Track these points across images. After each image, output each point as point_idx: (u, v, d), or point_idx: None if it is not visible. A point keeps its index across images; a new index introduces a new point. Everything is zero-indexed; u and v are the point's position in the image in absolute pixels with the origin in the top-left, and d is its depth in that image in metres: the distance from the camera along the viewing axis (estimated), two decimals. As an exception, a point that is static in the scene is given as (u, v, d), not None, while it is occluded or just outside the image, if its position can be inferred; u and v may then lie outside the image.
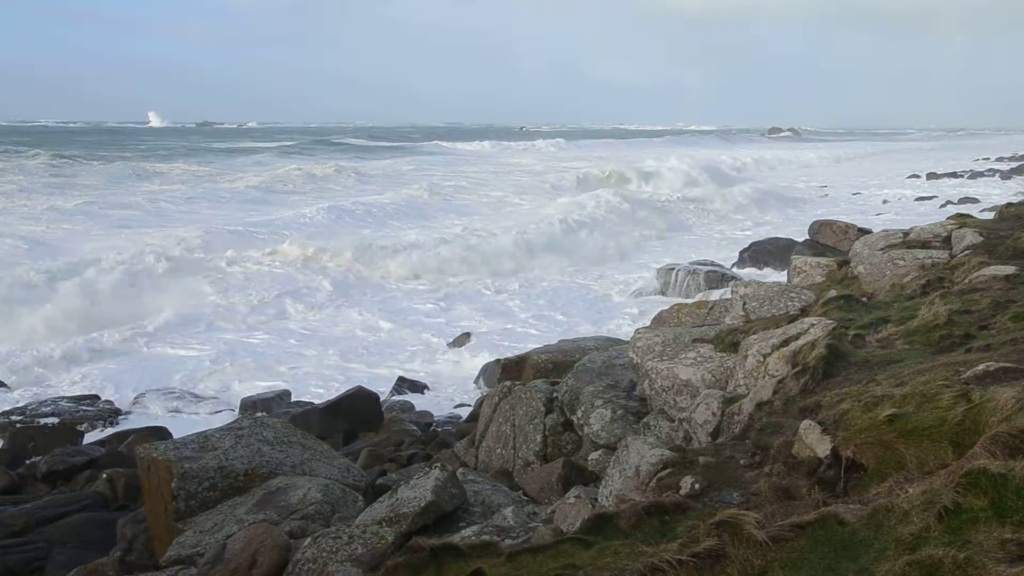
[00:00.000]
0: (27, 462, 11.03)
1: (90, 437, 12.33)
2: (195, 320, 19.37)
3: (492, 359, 14.58)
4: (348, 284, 23.30)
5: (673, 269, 21.04)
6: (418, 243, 27.22)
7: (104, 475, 9.76)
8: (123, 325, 18.37)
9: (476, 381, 14.59)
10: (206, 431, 7.85)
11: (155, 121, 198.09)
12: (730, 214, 37.45)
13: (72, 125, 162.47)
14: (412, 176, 55.07)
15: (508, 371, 11.60)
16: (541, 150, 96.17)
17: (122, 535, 7.83)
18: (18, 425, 12.27)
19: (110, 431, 12.58)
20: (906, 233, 10.63)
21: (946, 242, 9.76)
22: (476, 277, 24.39)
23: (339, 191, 46.91)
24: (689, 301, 13.60)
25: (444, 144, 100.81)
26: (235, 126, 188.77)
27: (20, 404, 13.54)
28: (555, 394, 8.76)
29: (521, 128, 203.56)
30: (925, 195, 42.30)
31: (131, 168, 54.83)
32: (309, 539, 5.35)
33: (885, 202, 41.35)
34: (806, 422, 4.40)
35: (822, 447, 4.14)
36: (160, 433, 11.46)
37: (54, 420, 12.61)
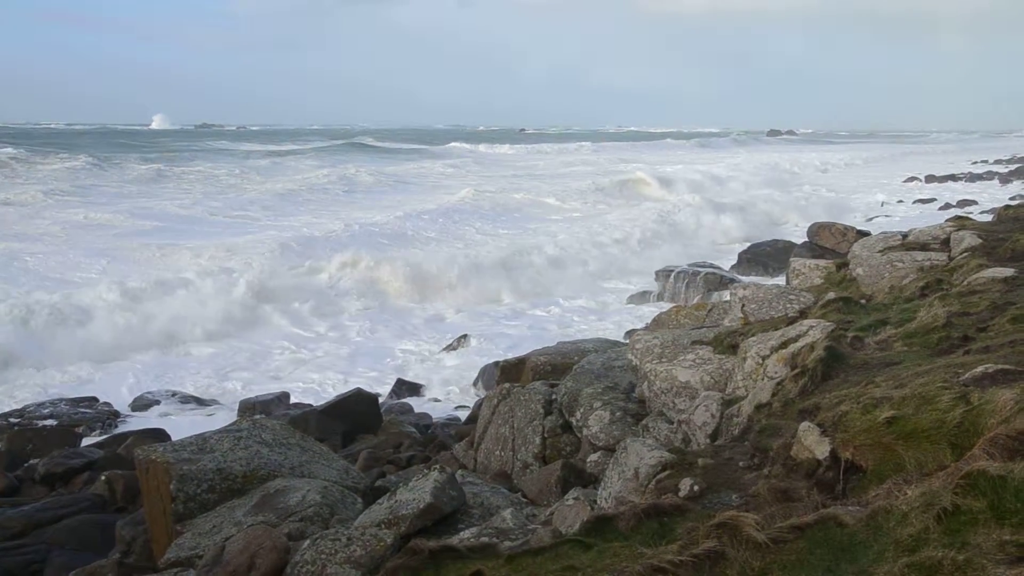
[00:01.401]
0: (25, 464, 11.00)
1: (88, 440, 12.31)
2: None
3: (490, 361, 14.57)
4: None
5: (671, 272, 21.03)
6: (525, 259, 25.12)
7: (103, 477, 9.75)
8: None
9: (475, 383, 14.58)
10: (205, 433, 7.83)
11: (159, 123, 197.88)
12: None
13: (79, 127, 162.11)
14: (455, 179, 55.21)
15: (507, 373, 11.60)
16: (574, 153, 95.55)
17: (121, 537, 7.82)
18: (16, 427, 12.25)
19: (108, 434, 12.55)
20: (905, 235, 10.64)
21: (945, 244, 9.77)
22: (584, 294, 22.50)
23: (389, 194, 46.30)
24: (688, 303, 13.60)
25: (466, 146, 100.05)
26: (234, 128, 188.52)
27: (17, 406, 13.51)
28: (554, 396, 8.75)
29: (521, 130, 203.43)
30: (924, 198, 42.33)
31: (173, 171, 54.21)
32: (308, 541, 5.34)
33: (884, 204, 41.36)
34: (805, 424, 4.40)
35: (821, 449, 4.14)
36: (159, 435, 11.45)
37: (52, 422, 12.59)
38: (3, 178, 47.78)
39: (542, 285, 22.93)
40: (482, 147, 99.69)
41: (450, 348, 17.26)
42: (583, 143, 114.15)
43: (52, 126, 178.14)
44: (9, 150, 60.86)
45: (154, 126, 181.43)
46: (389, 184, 51.34)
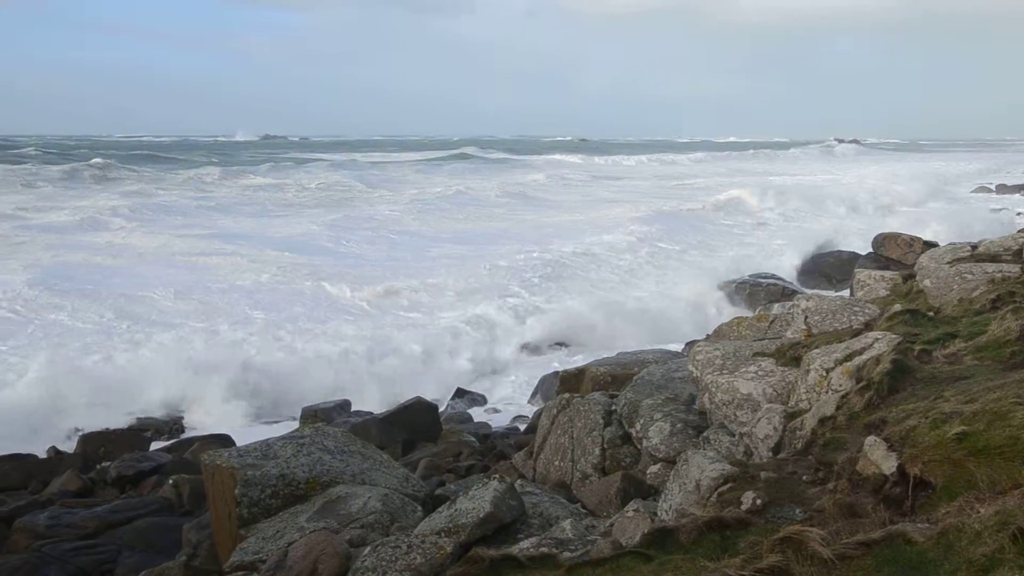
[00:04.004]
0: (97, 467, 11.34)
1: (157, 444, 12.63)
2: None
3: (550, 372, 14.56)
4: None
5: (732, 283, 20.78)
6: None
7: (170, 481, 9.99)
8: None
9: (533, 394, 14.58)
10: (269, 439, 7.96)
11: (242, 136, 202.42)
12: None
13: (165, 139, 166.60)
14: (596, 189, 54.75)
15: (567, 383, 11.59)
16: (687, 163, 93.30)
17: (187, 540, 8.00)
18: (89, 431, 12.64)
19: (176, 438, 12.86)
20: (975, 246, 10.38)
21: (1017, 255, 9.51)
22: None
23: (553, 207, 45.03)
24: (750, 314, 13.43)
25: (566, 158, 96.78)
26: (297, 139, 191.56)
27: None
28: (614, 407, 8.72)
29: (581, 140, 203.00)
30: (996, 207, 41.06)
31: (302, 182, 54.05)
32: (369, 548, 5.40)
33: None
34: (871, 438, 4.32)
35: (888, 464, 4.06)
36: (224, 441, 11.69)
37: (123, 426, 12.97)
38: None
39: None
40: (573, 158, 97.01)
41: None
42: (694, 153, 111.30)
43: (143, 138, 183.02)
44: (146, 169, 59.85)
45: (238, 138, 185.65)
46: (533, 195, 49.50)
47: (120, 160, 60.73)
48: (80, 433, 12.60)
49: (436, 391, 14.90)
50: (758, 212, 39.17)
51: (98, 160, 58.33)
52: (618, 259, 26.36)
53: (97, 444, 12.09)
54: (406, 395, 13.59)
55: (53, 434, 12.80)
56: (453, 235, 32.77)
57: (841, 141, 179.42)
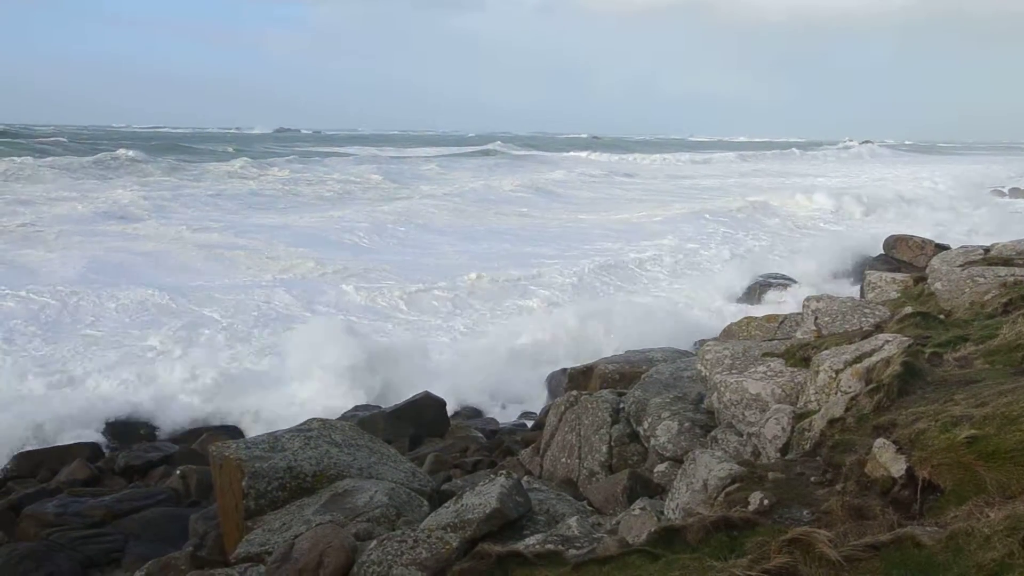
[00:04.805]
0: (105, 456, 11.38)
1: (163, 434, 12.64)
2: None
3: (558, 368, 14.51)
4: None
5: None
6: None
7: (178, 472, 10.03)
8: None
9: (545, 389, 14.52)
10: (276, 432, 7.99)
11: (260, 128, 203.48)
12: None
13: (182, 130, 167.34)
14: (639, 191, 54.20)
15: (575, 381, 11.59)
16: (718, 164, 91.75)
17: (194, 531, 8.04)
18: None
19: (184, 429, 12.86)
20: (987, 249, 10.33)
21: (1030, 259, 9.46)
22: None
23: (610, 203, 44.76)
24: (759, 314, 13.39)
25: (590, 156, 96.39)
26: (310, 132, 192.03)
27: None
28: (622, 405, 8.71)
29: (594, 138, 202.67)
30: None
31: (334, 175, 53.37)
32: (375, 542, 5.41)
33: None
34: (880, 440, 4.30)
35: (897, 467, 4.05)
36: (232, 432, 11.72)
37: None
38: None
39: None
40: (593, 155, 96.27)
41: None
42: (726, 152, 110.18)
43: (160, 129, 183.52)
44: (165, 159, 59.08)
45: (256, 130, 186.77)
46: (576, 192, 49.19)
47: (147, 151, 59.94)
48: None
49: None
50: (825, 213, 38.24)
51: (124, 151, 57.48)
52: (690, 258, 26.05)
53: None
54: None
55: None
56: (510, 232, 32.68)
57: (864, 142, 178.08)
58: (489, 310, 19.75)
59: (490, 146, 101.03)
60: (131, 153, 57.02)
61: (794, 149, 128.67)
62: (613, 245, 28.95)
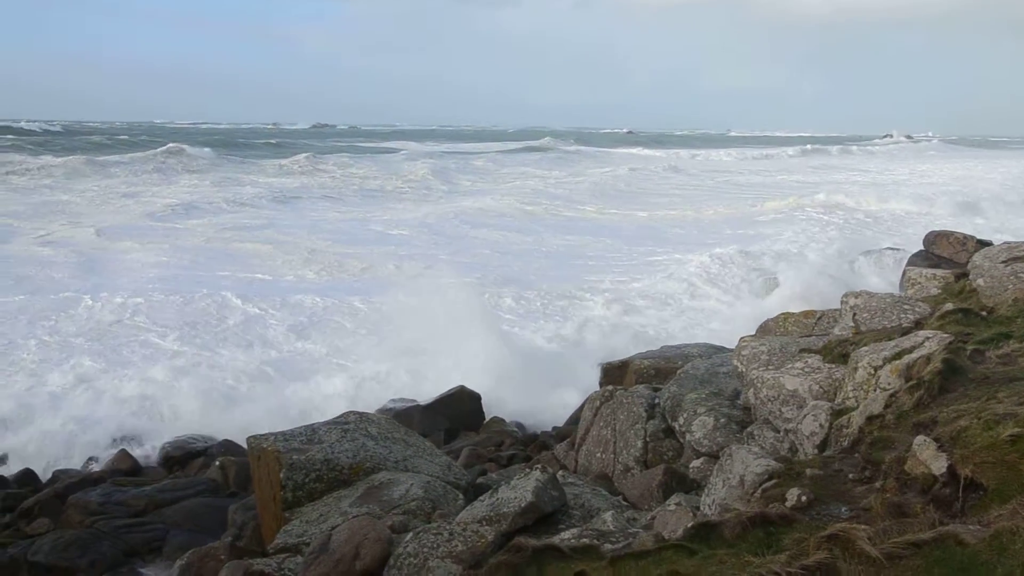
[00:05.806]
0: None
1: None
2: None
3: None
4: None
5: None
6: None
7: (217, 463, 10.18)
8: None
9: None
10: (314, 424, 8.07)
11: (302, 124, 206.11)
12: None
13: (223, 126, 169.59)
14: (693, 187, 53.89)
15: (610, 375, 11.56)
16: (782, 160, 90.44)
17: (232, 521, 8.15)
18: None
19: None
20: (1031, 245, 10.12)
21: (1075, 255, 9.26)
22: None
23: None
24: (796, 310, 13.26)
25: (644, 152, 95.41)
26: (346, 127, 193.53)
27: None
28: (657, 400, 8.68)
29: (628, 132, 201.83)
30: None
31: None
32: (411, 534, 5.45)
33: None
34: (920, 438, 4.25)
35: (938, 464, 4.00)
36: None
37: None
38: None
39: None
40: (644, 151, 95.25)
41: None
42: (785, 147, 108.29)
43: (200, 124, 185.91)
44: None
45: (299, 126, 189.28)
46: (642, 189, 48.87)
47: (193, 147, 60.74)
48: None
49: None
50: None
51: (177, 145, 58.23)
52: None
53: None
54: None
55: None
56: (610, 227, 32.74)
57: (909, 137, 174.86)
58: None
59: (538, 142, 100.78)
60: (202, 150, 58.08)
61: (853, 147, 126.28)
62: (749, 232, 29.01)
